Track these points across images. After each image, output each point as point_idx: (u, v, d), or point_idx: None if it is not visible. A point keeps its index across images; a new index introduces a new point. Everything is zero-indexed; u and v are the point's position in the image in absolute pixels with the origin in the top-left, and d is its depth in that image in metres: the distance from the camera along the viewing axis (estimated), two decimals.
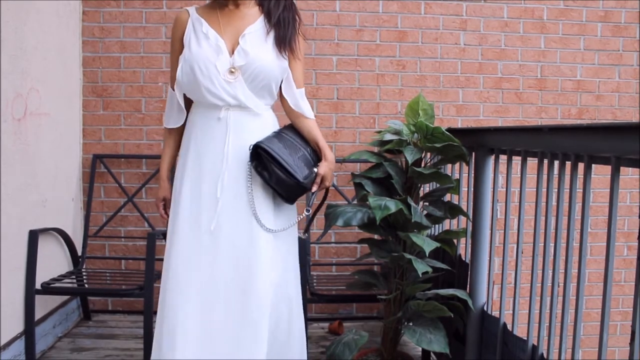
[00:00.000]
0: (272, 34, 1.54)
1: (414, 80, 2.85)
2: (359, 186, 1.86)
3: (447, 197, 1.99)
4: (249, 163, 1.50)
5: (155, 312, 1.53)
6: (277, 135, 1.56)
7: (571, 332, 1.21)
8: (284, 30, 1.55)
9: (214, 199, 1.49)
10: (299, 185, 1.51)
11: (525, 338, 1.41)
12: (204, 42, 1.52)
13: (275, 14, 1.55)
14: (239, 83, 1.50)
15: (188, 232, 1.49)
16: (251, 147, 1.49)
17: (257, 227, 1.49)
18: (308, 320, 2.39)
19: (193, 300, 1.46)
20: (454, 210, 1.82)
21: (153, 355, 1.49)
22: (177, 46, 1.58)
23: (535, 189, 1.42)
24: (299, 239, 1.69)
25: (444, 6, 2.83)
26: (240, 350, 1.45)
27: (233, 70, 1.50)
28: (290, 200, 1.56)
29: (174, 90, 1.58)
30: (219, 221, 1.48)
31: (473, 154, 1.77)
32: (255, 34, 1.54)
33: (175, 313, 1.45)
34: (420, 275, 1.66)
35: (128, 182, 2.77)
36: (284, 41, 1.55)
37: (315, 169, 1.57)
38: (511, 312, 1.53)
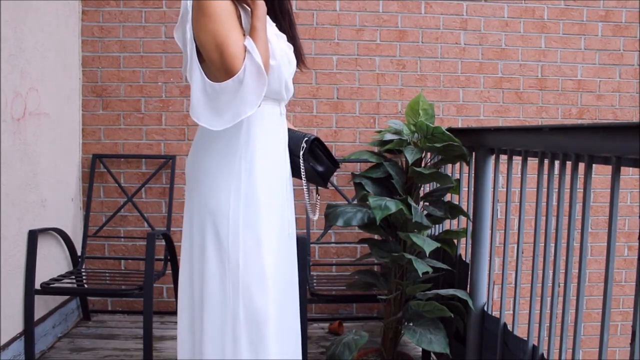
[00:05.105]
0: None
1: (414, 79, 2.84)
2: (359, 186, 1.86)
3: (448, 197, 1.99)
4: (302, 156, 1.40)
5: (155, 313, 1.52)
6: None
7: (571, 333, 1.21)
8: (298, 42, 1.46)
9: (285, 200, 1.40)
10: (336, 168, 1.49)
11: (526, 338, 1.41)
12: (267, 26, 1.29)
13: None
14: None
15: (276, 239, 1.35)
16: (307, 140, 1.41)
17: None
18: (308, 320, 2.39)
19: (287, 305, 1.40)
20: (454, 210, 1.81)
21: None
22: (231, 8, 1.20)
23: (535, 189, 1.42)
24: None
25: (444, 6, 2.83)
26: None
27: None
28: (326, 183, 1.51)
29: (236, 68, 1.14)
30: (290, 222, 1.43)
31: (473, 154, 1.77)
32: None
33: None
34: (421, 275, 1.66)
35: (128, 182, 2.77)
36: (300, 51, 1.47)
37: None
38: (511, 312, 1.53)
